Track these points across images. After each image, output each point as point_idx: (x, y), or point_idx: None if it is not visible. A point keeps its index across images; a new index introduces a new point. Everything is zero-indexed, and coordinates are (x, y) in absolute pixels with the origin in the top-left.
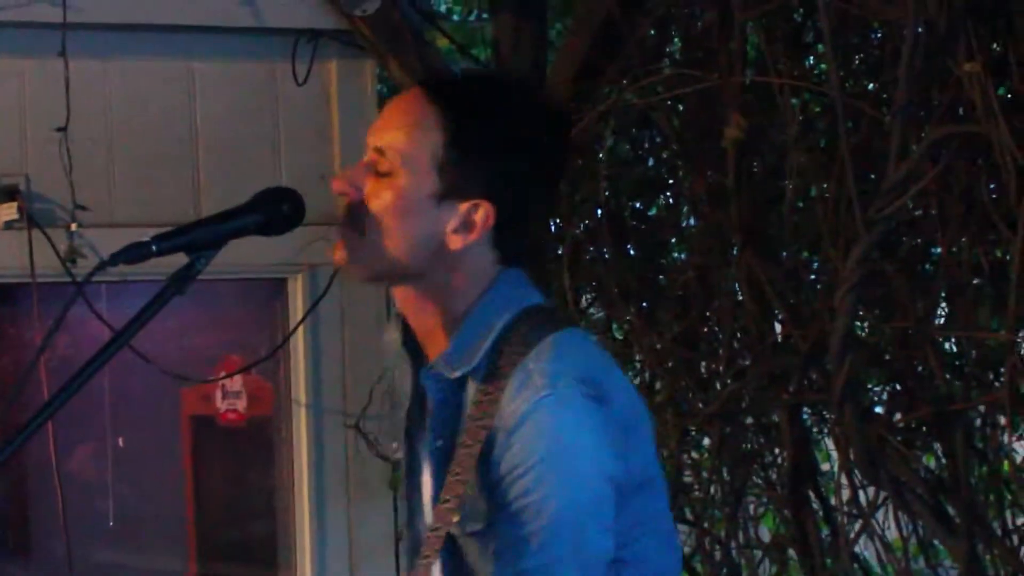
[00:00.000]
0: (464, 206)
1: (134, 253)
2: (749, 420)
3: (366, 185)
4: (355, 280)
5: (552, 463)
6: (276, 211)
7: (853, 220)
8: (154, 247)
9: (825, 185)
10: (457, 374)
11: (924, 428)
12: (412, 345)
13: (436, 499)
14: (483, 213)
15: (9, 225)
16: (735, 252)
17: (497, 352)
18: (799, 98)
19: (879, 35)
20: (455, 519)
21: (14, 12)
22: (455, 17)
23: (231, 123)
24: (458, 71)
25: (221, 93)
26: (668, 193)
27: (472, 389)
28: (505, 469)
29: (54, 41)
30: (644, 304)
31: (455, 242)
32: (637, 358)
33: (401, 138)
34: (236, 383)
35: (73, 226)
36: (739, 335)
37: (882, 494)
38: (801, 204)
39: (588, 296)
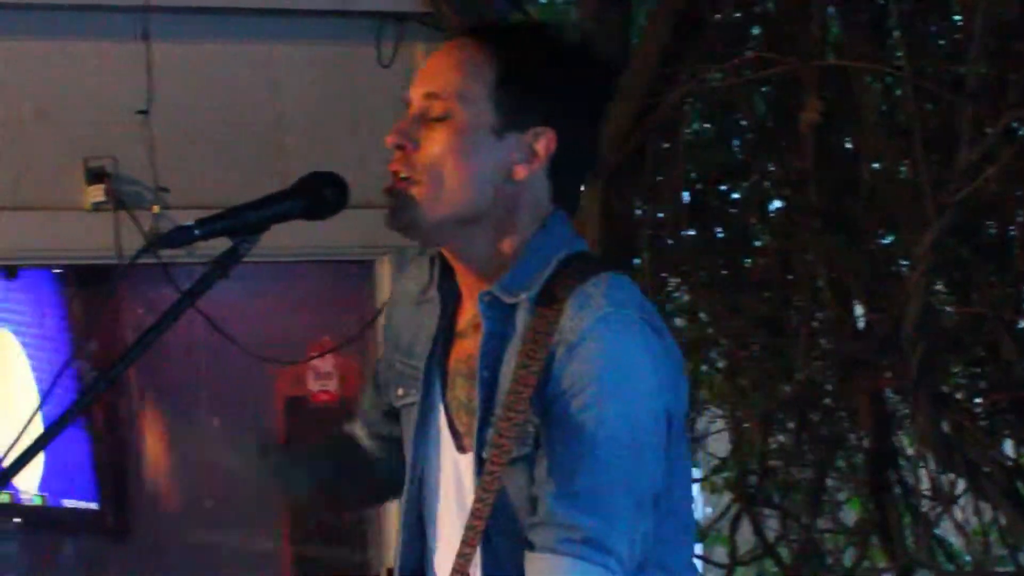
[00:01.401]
0: (525, 135)
1: (177, 237)
2: (832, 404)
3: (421, 135)
4: (417, 235)
5: (613, 380)
6: (319, 196)
7: (927, 204)
8: (197, 231)
9: (904, 169)
10: (515, 299)
11: (1003, 414)
12: (446, 289)
13: (482, 427)
14: (545, 141)
15: (97, 207)
16: (814, 236)
17: (552, 282)
18: (881, 82)
19: (959, 19)
20: (500, 447)
21: None
22: (541, 0)
23: (314, 106)
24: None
25: (304, 76)
26: (754, 176)
27: (523, 317)
28: (566, 384)
29: (138, 25)
30: (728, 288)
31: (519, 172)
32: (722, 342)
33: (454, 78)
34: (327, 364)
35: (155, 208)
36: (820, 319)
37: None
38: (880, 188)
39: (673, 280)
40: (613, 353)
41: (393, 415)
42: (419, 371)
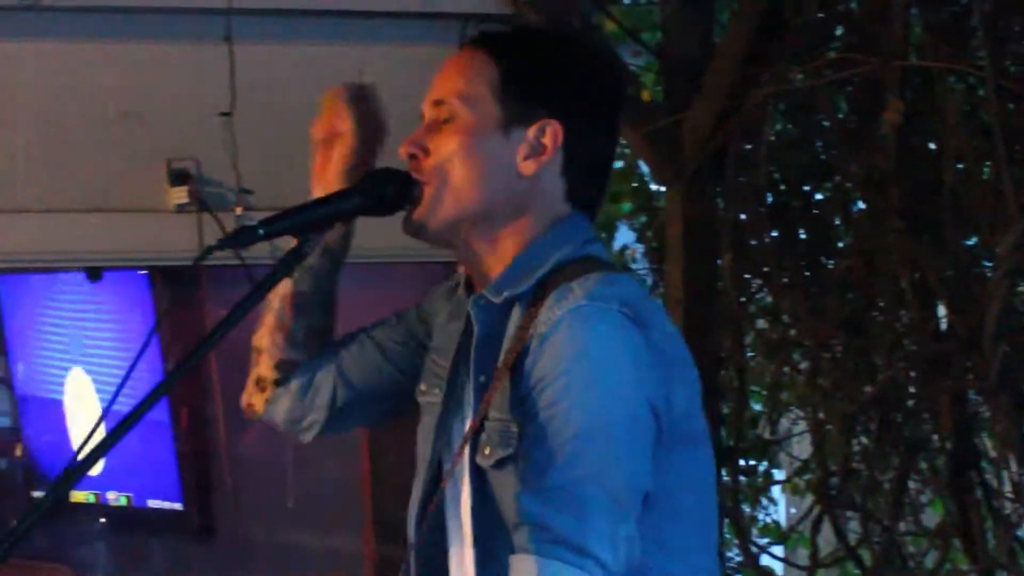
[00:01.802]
0: (531, 129)
1: (241, 237)
2: (914, 406)
3: (430, 141)
4: (428, 237)
5: (580, 371)
6: (381, 193)
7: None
8: (261, 231)
9: (986, 169)
10: (502, 297)
11: None
12: (470, 289)
13: (478, 432)
14: (551, 132)
15: (181, 209)
16: (896, 237)
17: (547, 282)
18: (964, 82)
19: None
20: (487, 451)
21: None
22: (626, 1)
23: (399, 107)
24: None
25: (389, 78)
26: (837, 177)
27: (517, 313)
28: (535, 378)
29: (220, 26)
30: (811, 289)
31: (528, 167)
32: (804, 344)
33: (457, 82)
34: None
35: (238, 210)
36: (902, 321)
37: None
38: (963, 188)
39: (756, 281)
40: (584, 344)
41: (378, 369)
42: (445, 371)
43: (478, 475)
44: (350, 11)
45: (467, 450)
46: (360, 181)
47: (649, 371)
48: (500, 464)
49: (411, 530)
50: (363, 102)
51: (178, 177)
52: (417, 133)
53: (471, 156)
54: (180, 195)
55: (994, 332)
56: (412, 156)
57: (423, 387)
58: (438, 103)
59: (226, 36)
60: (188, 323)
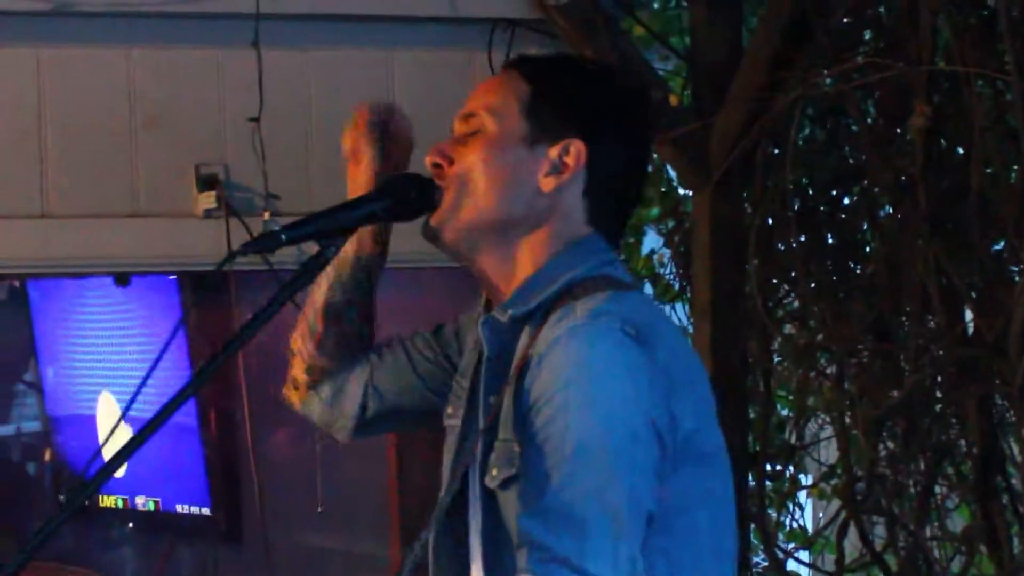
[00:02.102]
0: (555, 148)
1: (265, 242)
2: (940, 411)
3: (456, 152)
4: (446, 248)
5: (578, 389)
6: (403, 198)
7: None
8: (283, 236)
9: (1013, 173)
10: (507, 316)
11: None
12: (488, 308)
13: (486, 453)
14: (575, 152)
15: (208, 214)
16: (923, 241)
17: (555, 302)
18: (992, 87)
19: None
20: (493, 472)
21: (208, 3)
22: (655, 5)
23: (429, 111)
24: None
25: (418, 82)
26: (864, 182)
27: (525, 336)
28: (533, 396)
29: (248, 32)
30: (838, 294)
31: (548, 184)
32: (831, 348)
33: (488, 97)
34: None
35: (266, 215)
36: (929, 326)
37: None
38: (990, 193)
39: (784, 286)
40: (581, 362)
41: (412, 387)
42: (466, 392)
43: (487, 497)
44: (377, 16)
45: (477, 472)
46: (382, 186)
47: (650, 389)
48: (506, 484)
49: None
50: (386, 123)
51: (206, 182)
52: (443, 143)
53: (493, 166)
54: (208, 200)
55: (1020, 337)
56: (436, 165)
57: (449, 410)
58: (468, 116)
59: (254, 41)
60: (216, 327)
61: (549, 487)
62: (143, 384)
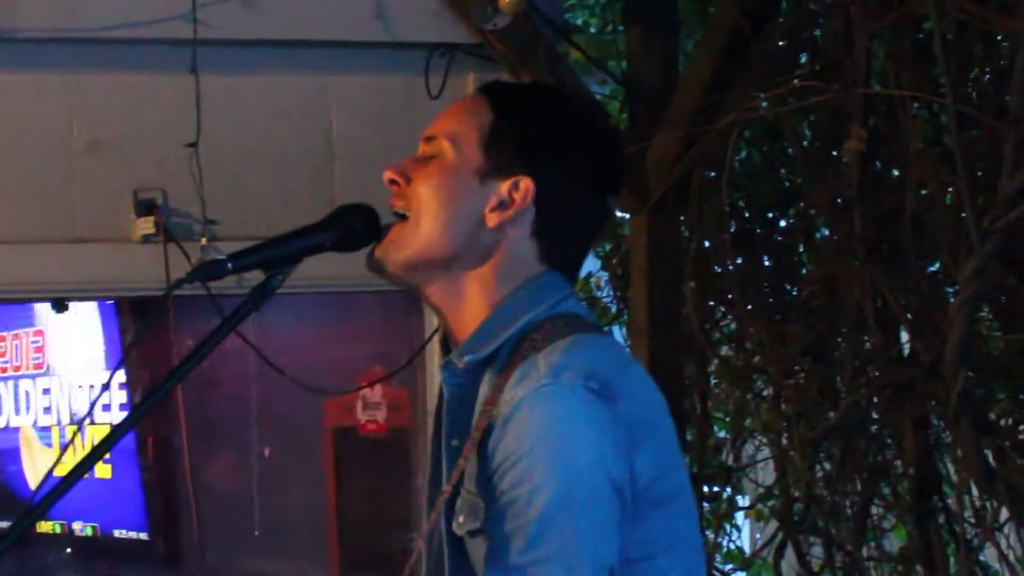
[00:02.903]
0: (505, 184)
1: (211, 270)
2: (877, 431)
3: (415, 172)
4: (392, 272)
5: (543, 454)
6: (351, 228)
7: (971, 232)
8: (230, 264)
9: (949, 196)
10: (465, 360)
11: None
12: (446, 345)
13: (453, 498)
14: (523, 189)
15: (147, 239)
16: (859, 263)
17: (517, 346)
18: (927, 110)
19: (1005, 44)
20: (460, 519)
21: (147, 29)
22: (592, 29)
23: (366, 137)
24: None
25: (356, 107)
26: (800, 204)
27: (487, 380)
28: (498, 460)
29: (186, 57)
30: (774, 316)
31: (492, 219)
32: (768, 370)
33: (451, 122)
34: (376, 394)
35: (203, 240)
36: (865, 347)
37: None
38: (926, 216)
39: (720, 308)
40: (544, 427)
41: None
42: (432, 432)
43: (454, 541)
44: (315, 41)
45: (442, 515)
46: (330, 216)
47: (612, 447)
48: (472, 534)
49: None
50: None
51: (145, 208)
52: (404, 162)
53: (444, 196)
54: (147, 225)
55: (956, 358)
56: (393, 182)
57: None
58: (429, 139)
59: (192, 67)
60: (155, 352)
61: (514, 548)
62: (91, 411)
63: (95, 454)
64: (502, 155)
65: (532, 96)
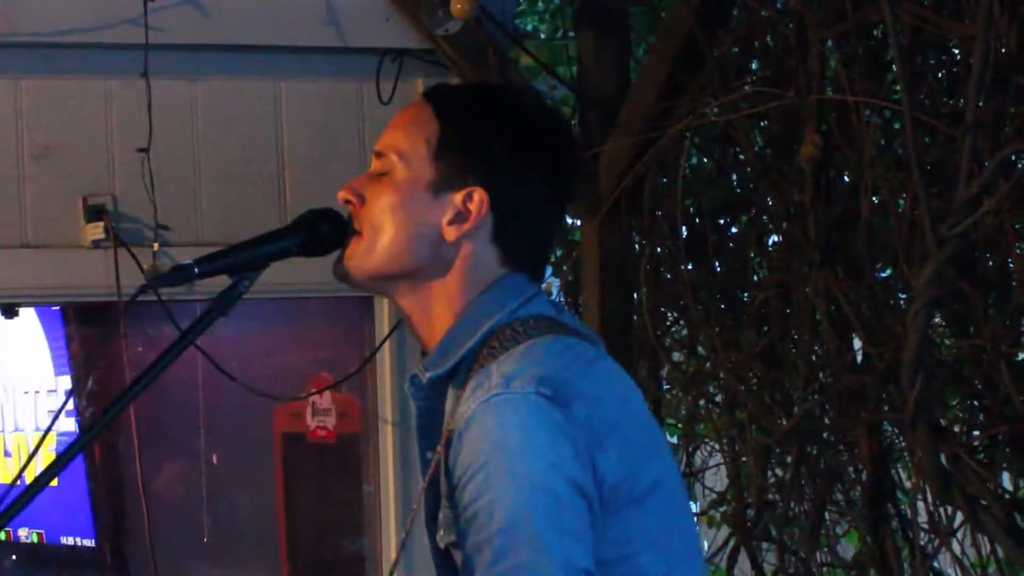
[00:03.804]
0: (459, 196)
1: (177, 275)
2: (830, 438)
3: (367, 191)
4: (354, 285)
5: (497, 464)
6: (317, 233)
7: (928, 237)
8: (196, 269)
9: (902, 202)
10: (428, 376)
11: (1001, 446)
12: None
13: (432, 509)
14: (477, 200)
15: (96, 244)
16: (813, 269)
17: (477, 356)
18: (880, 116)
19: (958, 52)
20: (441, 531)
21: (98, 34)
22: (542, 36)
23: (316, 142)
24: (540, 88)
25: (306, 112)
26: (752, 210)
27: (451, 395)
28: (457, 474)
29: (137, 62)
30: (727, 322)
31: (451, 233)
32: (720, 376)
33: (398, 136)
34: (326, 400)
35: (155, 246)
36: (818, 353)
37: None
38: (879, 222)
39: (672, 314)
40: (498, 438)
41: None
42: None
43: (440, 553)
44: (266, 46)
45: (422, 525)
46: (296, 221)
47: (569, 450)
48: (453, 546)
49: None
50: None
51: (94, 213)
52: (357, 180)
53: (398, 214)
54: (96, 231)
55: (913, 363)
56: (348, 202)
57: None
58: (379, 154)
59: (143, 72)
60: (104, 358)
61: (483, 562)
62: (54, 421)
63: (55, 468)
64: (452, 166)
65: (478, 99)
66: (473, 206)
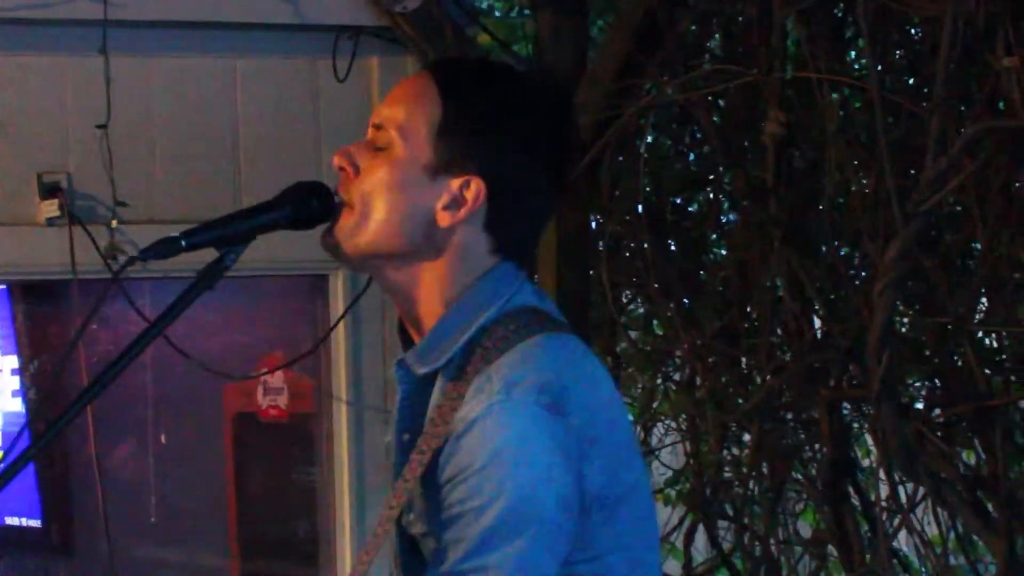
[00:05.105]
0: (456, 182)
1: (163, 248)
2: (789, 416)
3: (363, 161)
4: (342, 260)
5: (493, 472)
6: (305, 206)
7: (892, 215)
8: (183, 242)
9: (865, 180)
10: (423, 371)
11: (963, 424)
12: (404, 334)
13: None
14: (474, 189)
15: (51, 222)
16: (775, 248)
17: (470, 352)
18: (839, 93)
19: (919, 30)
20: (411, 517)
21: (56, 10)
22: (497, 13)
23: (272, 119)
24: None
25: (262, 89)
26: (709, 189)
27: (439, 386)
28: (449, 473)
29: (95, 38)
30: (685, 300)
31: (444, 219)
32: (677, 355)
33: (400, 111)
34: (278, 379)
35: (114, 222)
36: (779, 331)
37: (921, 490)
38: (841, 200)
39: (628, 292)
40: (496, 445)
41: None
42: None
43: (406, 537)
44: (222, 23)
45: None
46: (283, 194)
47: (562, 462)
48: (423, 536)
49: None
50: None
51: (49, 190)
52: (354, 147)
53: (393, 193)
54: (51, 208)
55: (878, 341)
56: (342, 169)
57: (389, 436)
58: (379, 126)
59: (101, 48)
60: (54, 337)
61: (454, 556)
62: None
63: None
64: (452, 150)
65: (484, 79)
66: (470, 195)
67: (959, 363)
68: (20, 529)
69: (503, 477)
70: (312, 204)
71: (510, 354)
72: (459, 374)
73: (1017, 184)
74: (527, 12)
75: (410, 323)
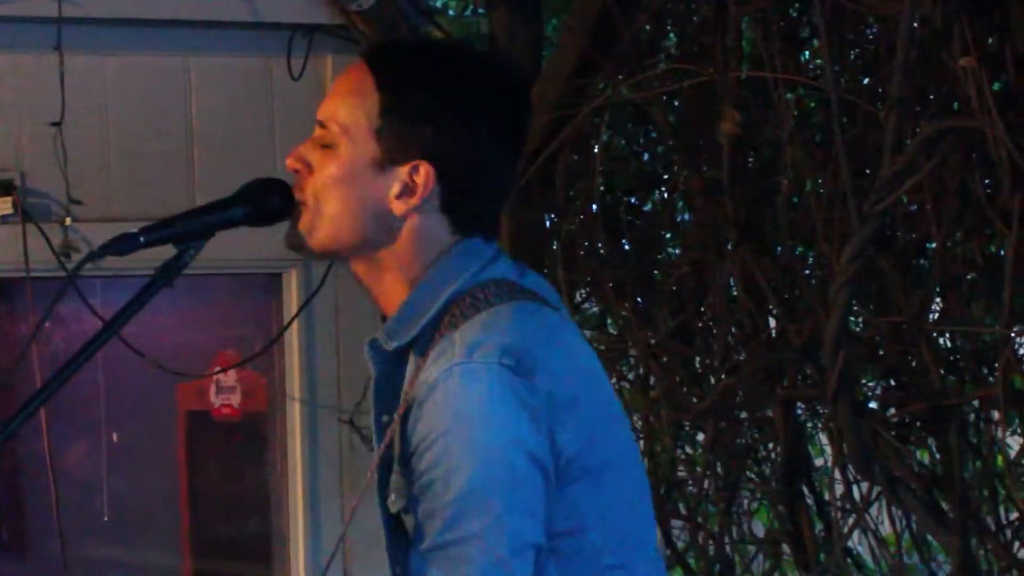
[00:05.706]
0: (404, 169)
1: (122, 245)
2: (743, 415)
3: (314, 159)
4: (307, 255)
5: (457, 434)
6: (265, 203)
7: (847, 215)
8: (142, 239)
9: (820, 180)
10: (392, 346)
11: (918, 423)
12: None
13: (384, 475)
14: (423, 174)
15: (4, 220)
16: (730, 247)
17: (437, 325)
18: (794, 93)
19: (875, 30)
20: (392, 497)
21: (10, 7)
22: (451, 12)
23: (226, 117)
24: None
25: (216, 88)
26: (663, 188)
27: (412, 363)
28: (415, 442)
29: (50, 36)
30: (639, 299)
31: (399, 207)
32: (632, 353)
33: (340, 108)
34: (230, 378)
35: (67, 220)
36: (734, 330)
37: (876, 489)
38: (796, 199)
39: (583, 291)
40: (458, 407)
41: None
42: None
43: (390, 517)
44: (179, 20)
45: (376, 491)
46: (242, 190)
47: (529, 422)
48: (404, 511)
49: None
50: None
51: (2, 188)
52: (304, 147)
53: (343, 190)
54: (4, 206)
55: (835, 340)
56: (296, 171)
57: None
58: (323, 124)
59: (56, 45)
60: (5, 335)
61: (433, 529)
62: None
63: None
64: (395, 139)
65: (420, 62)
66: (419, 179)
67: (914, 363)
68: None
69: (468, 439)
70: (272, 201)
71: (475, 319)
72: (427, 344)
73: (972, 184)
74: (481, 11)
75: (382, 307)
